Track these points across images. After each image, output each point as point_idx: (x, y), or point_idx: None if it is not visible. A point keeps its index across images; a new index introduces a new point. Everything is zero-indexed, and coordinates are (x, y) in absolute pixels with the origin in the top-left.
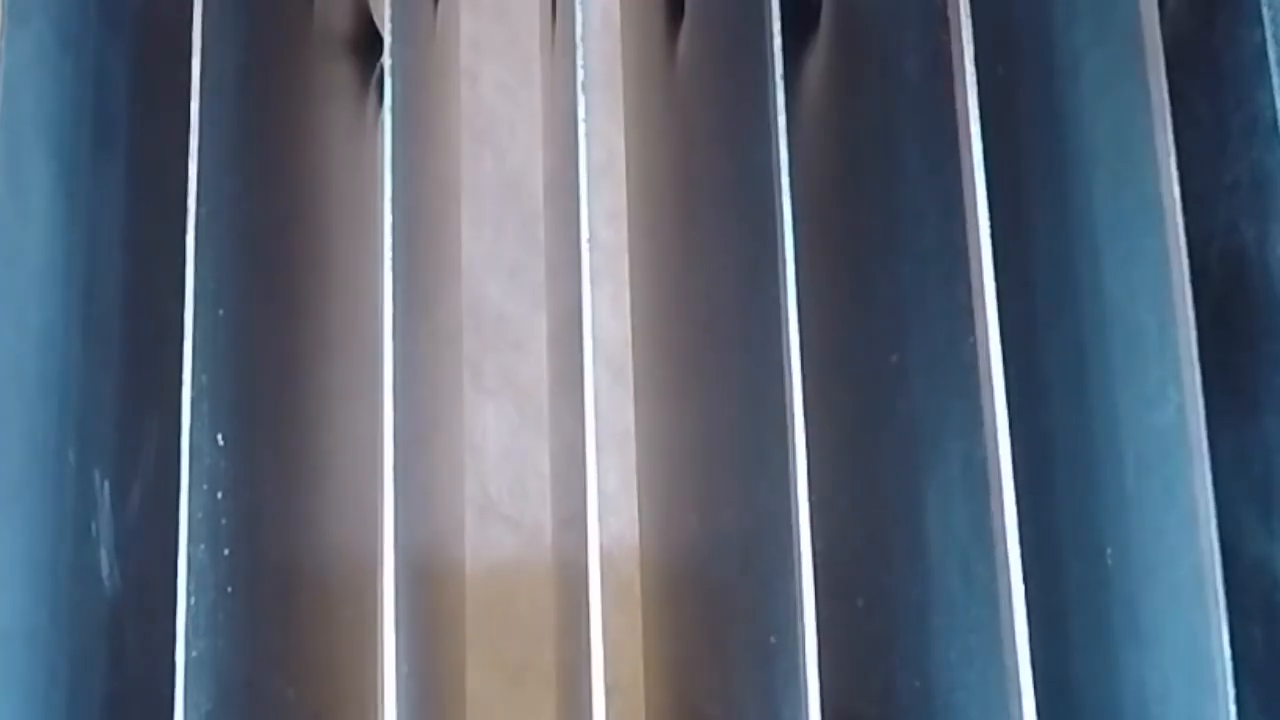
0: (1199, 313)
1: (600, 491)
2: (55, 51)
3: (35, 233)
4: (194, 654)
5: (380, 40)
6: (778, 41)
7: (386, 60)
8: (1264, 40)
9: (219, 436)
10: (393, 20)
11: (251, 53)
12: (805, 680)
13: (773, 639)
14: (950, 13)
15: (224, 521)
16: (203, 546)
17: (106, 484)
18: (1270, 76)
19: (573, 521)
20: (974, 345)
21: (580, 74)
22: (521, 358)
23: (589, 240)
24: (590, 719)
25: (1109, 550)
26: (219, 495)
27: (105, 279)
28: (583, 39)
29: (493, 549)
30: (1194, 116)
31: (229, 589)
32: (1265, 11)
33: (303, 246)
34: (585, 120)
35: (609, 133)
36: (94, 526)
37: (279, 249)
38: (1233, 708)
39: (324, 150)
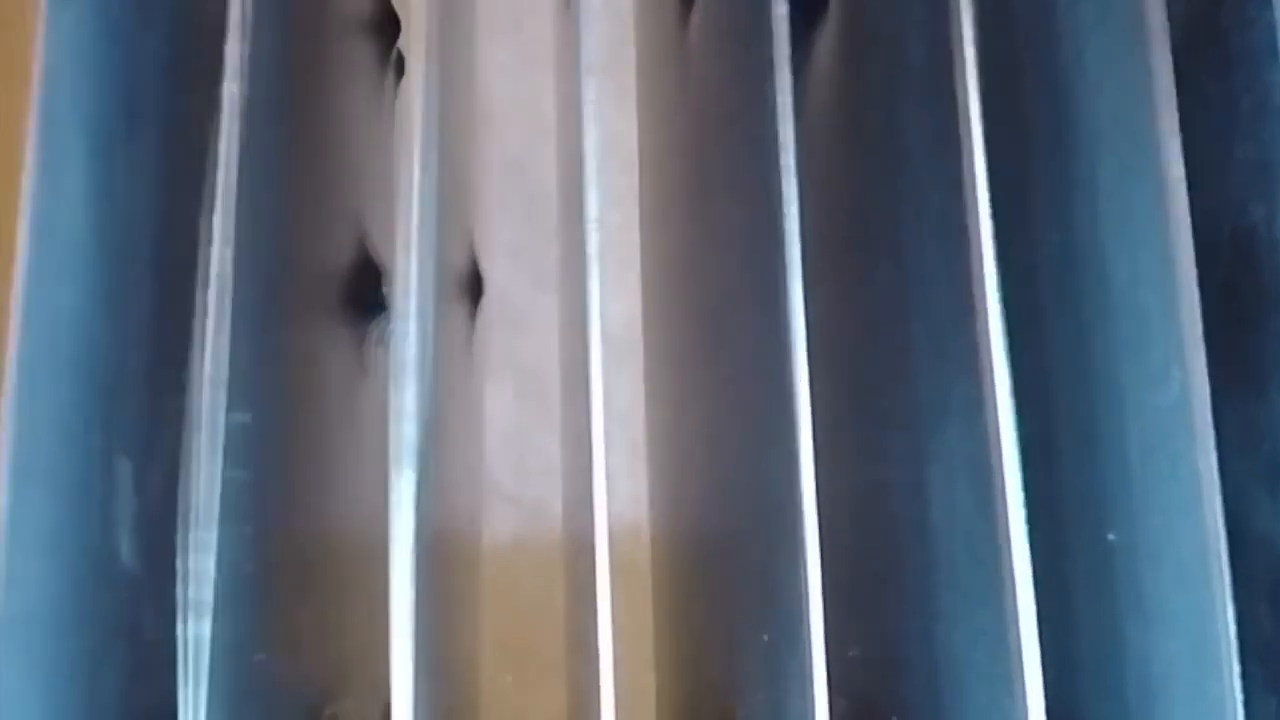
0: (1204, 292)
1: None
2: (94, 35)
3: (69, 213)
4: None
5: (397, 22)
6: (784, 25)
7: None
8: (1274, 20)
9: (237, 417)
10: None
11: (282, 36)
12: (811, 658)
13: (766, 637)
14: None
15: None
16: (219, 527)
17: (129, 465)
18: (1279, 55)
19: (578, 503)
20: (977, 325)
21: (587, 56)
22: (523, 338)
23: (595, 221)
24: (598, 698)
25: (1114, 529)
26: (236, 475)
27: (133, 260)
28: (590, 21)
29: (495, 528)
30: (1200, 96)
31: (247, 568)
32: None
33: (326, 229)
34: (592, 103)
35: (612, 115)
36: (118, 506)
37: (303, 231)
38: (1238, 685)
39: (348, 134)
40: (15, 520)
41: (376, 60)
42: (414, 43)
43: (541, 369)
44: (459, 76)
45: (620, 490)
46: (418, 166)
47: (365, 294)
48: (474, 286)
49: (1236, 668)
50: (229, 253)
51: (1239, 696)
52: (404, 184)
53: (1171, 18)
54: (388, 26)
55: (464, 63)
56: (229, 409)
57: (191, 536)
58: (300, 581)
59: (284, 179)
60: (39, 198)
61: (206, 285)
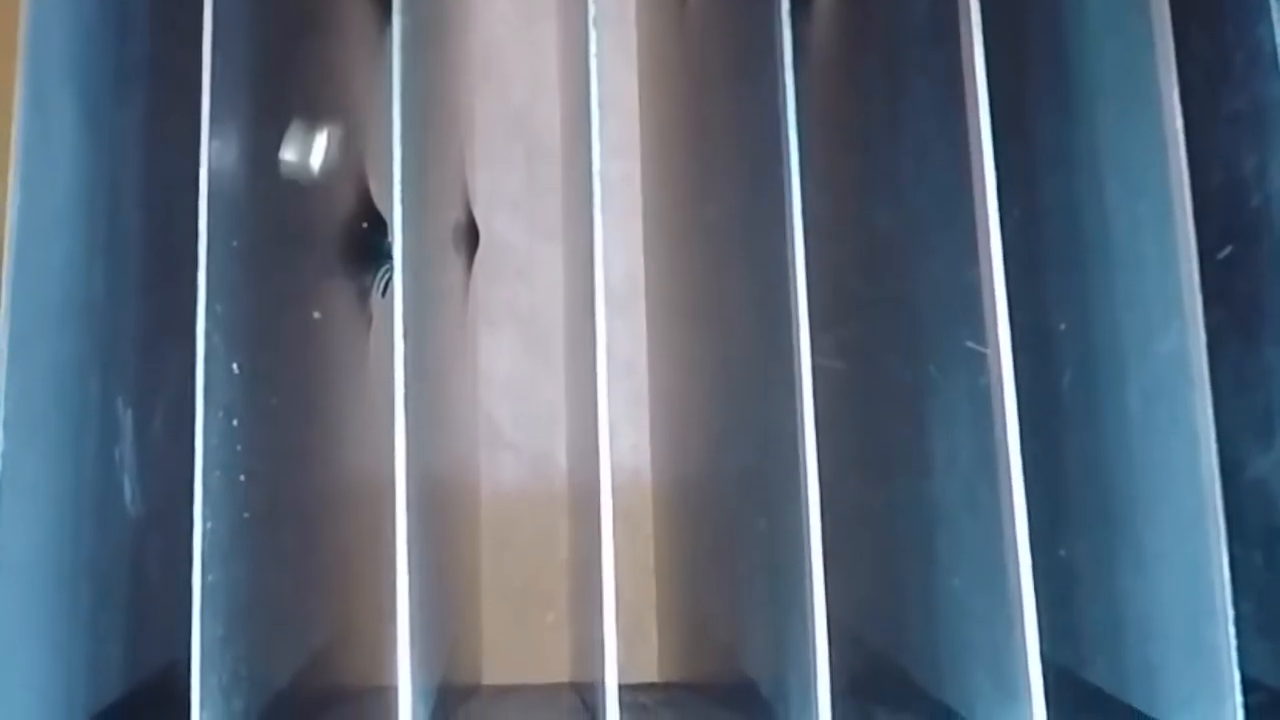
0: (1201, 242)
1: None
2: None
3: (59, 163)
4: (210, 579)
5: None
6: None
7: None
8: None
9: (234, 365)
10: None
11: None
12: (812, 605)
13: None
14: None
15: (239, 448)
16: (218, 473)
17: (129, 412)
18: (1270, 11)
19: (582, 450)
20: (978, 276)
21: (592, 9)
22: (524, 288)
23: (600, 173)
24: (601, 638)
25: (1112, 476)
26: (234, 423)
27: (125, 210)
28: None
29: (496, 475)
30: (1196, 50)
31: (245, 515)
32: None
33: (325, 180)
34: (597, 55)
35: (614, 67)
36: (117, 453)
37: (292, 180)
38: (1232, 630)
39: (337, 84)
40: (11, 468)
41: (377, 15)
42: None
43: (542, 318)
44: (452, 28)
45: (622, 437)
46: (398, 116)
47: (367, 245)
48: (470, 237)
49: (1230, 611)
50: (218, 200)
51: (1233, 640)
52: (387, 133)
53: None
54: None
55: (459, 15)
56: (224, 357)
57: (193, 482)
58: (301, 528)
59: (280, 130)
60: (28, 151)
61: (200, 237)
